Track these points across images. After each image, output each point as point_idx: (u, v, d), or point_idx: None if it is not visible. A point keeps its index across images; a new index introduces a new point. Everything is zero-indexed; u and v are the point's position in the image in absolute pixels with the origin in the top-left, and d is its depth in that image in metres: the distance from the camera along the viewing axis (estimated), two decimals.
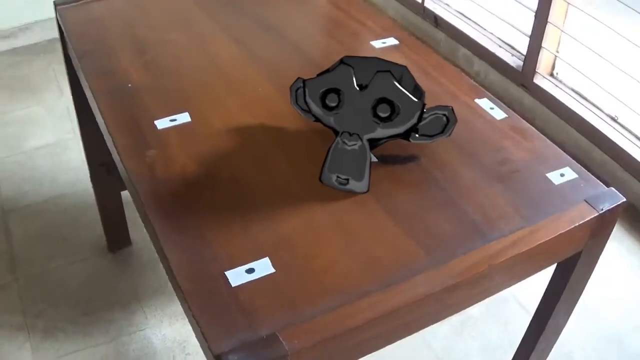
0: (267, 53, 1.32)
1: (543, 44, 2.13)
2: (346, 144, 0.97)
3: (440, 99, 1.21)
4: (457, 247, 0.92)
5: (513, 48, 2.38)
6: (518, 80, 2.31)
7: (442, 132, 1.04)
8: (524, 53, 2.25)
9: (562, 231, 0.95)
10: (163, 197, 0.99)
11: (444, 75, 1.28)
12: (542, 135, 1.14)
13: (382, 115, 0.95)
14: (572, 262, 1.06)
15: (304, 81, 0.99)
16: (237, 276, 0.87)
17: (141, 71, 1.25)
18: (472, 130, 1.14)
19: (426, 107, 1.01)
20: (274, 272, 0.88)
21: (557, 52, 2.16)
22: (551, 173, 1.06)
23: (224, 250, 0.91)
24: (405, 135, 1.01)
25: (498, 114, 1.18)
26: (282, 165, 1.05)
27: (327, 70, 1.02)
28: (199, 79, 1.23)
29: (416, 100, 0.96)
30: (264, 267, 0.89)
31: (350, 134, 0.97)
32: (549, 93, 2.17)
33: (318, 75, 0.99)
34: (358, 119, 0.96)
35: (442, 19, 2.63)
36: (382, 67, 1.00)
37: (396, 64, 1.05)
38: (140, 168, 1.03)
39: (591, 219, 0.98)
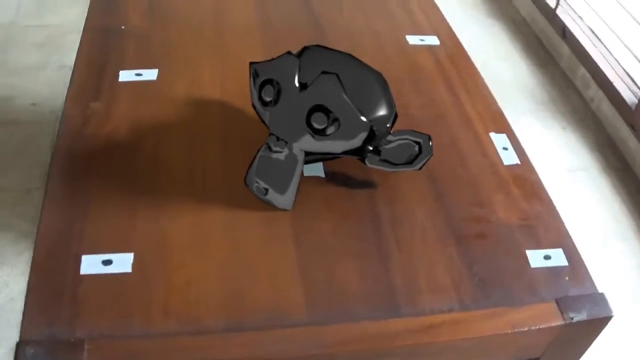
0: (283, 23, 1.12)
1: None
2: (270, 149, 0.76)
3: (448, 121, 0.95)
4: (350, 310, 0.69)
5: (635, 83, 1.95)
6: (628, 119, 1.90)
7: (410, 163, 0.80)
8: None
9: (498, 332, 0.69)
10: (75, 155, 0.84)
11: (470, 95, 1.01)
12: (550, 200, 0.85)
13: (316, 126, 0.73)
14: None
15: (250, 64, 0.79)
16: (91, 264, 0.72)
17: (142, 15, 1.10)
18: (463, 169, 0.87)
19: (405, 129, 0.78)
20: (129, 273, 0.71)
21: None
22: (533, 251, 0.78)
23: (95, 232, 0.75)
24: (360, 155, 0.78)
25: (509, 157, 0.91)
26: (215, 156, 0.85)
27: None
28: (192, 36, 1.06)
29: (363, 119, 0.72)
30: (123, 263, 0.72)
31: (278, 139, 0.75)
32: None
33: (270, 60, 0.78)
34: (289, 124, 0.74)
35: (570, 32, 2.23)
36: (339, 68, 0.77)
37: (369, 67, 0.81)
38: (76, 118, 0.89)
39: (553, 326, 0.71)
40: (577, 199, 1.81)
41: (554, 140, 2.02)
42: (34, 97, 1.92)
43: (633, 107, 1.87)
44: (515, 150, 0.92)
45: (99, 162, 0.83)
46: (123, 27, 1.06)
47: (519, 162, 0.90)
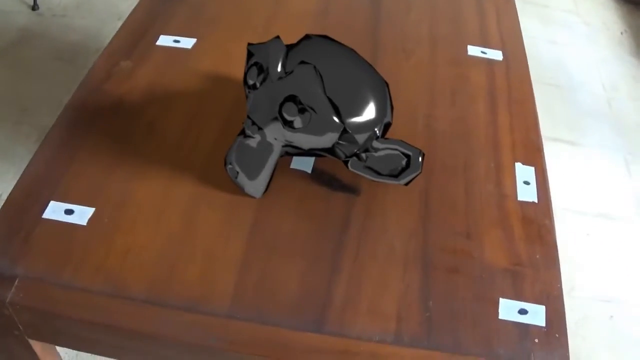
0: (341, 15, 1.07)
1: None
2: (243, 132, 0.72)
3: (473, 141, 0.85)
4: (272, 314, 0.64)
5: None
6: None
7: (395, 176, 0.73)
8: None
9: None
10: (86, 107, 0.86)
11: (511, 119, 0.90)
12: (555, 249, 0.73)
13: (286, 116, 0.68)
14: None
15: (248, 44, 0.75)
16: (54, 210, 0.73)
17: None
18: (465, 195, 0.78)
19: (397, 140, 0.72)
20: (83, 226, 0.71)
21: None
22: (509, 301, 0.68)
23: (71, 181, 0.76)
24: (333, 156, 0.72)
25: (527, 193, 0.79)
26: (212, 133, 0.83)
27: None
28: (244, 13, 1.04)
29: (335, 119, 0.66)
30: (81, 215, 0.72)
31: (253, 123, 0.71)
32: None
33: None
34: (264, 109, 0.70)
35: None
36: (332, 62, 0.70)
37: (370, 69, 0.73)
38: (102, 72, 0.91)
39: None
40: None
41: None
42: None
43: None
44: (538, 187, 0.80)
45: (103, 117, 0.85)
46: None
47: (535, 201, 0.78)
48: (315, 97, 0.66)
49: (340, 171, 0.79)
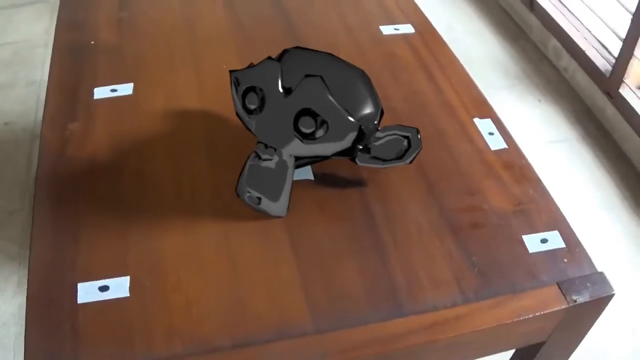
0: (255, 25, 1.09)
1: (635, 52, 1.73)
2: (259, 157, 0.74)
3: (431, 110, 0.94)
4: (354, 314, 0.69)
5: (607, 50, 1.96)
6: (604, 87, 1.91)
7: (400, 158, 0.79)
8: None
9: (505, 322, 0.69)
10: (59, 180, 0.81)
11: (450, 81, 1.00)
12: (540, 182, 0.85)
13: (304, 130, 0.72)
14: (531, 351, 0.80)
15: (230, 72, 0.77)
16: (87, 292, 0.70)
17: (111, 28, 1.07)
18: (451, 159, 0.87)
19: (395, 124, 0.77)
20: (127, 297, 0.69)
21: None
22: (530, 236, 0.78)
23: (88, 258, 0.73)
24: (350, 155, 0.77)
25: (496, 142, 0.90)
26: (202, 167, 0.83)
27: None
28: (165, 46, 1.04)
29: (351, 119, 0.71)
30: (120, 288, 0.70)
31: (266, 147, 0.74)
32: (633, 107, 1.77)
33: (249, 66, 0.76)
34: (277, 130, 0.73)
35: (537, 4, 2.23)
36: (321, 69, 0.75)
37: (351, 66, 0.79)
38: (54, 141, 0.87)
39: (557, 310, 0.71)
40: (559, 171, 1.82)
41: (531, 113, 2.02)
42: (5, 116, 1.88)
43: (607, 74, 1.88)
44: (502, 134, 0.91)
45: (84, 185, 0.81)
46: (92, 42, 1.03)
47: (506, 147, 0.90)
48: (329, 105, 0.70)
49: (338, 169, 0.84)
